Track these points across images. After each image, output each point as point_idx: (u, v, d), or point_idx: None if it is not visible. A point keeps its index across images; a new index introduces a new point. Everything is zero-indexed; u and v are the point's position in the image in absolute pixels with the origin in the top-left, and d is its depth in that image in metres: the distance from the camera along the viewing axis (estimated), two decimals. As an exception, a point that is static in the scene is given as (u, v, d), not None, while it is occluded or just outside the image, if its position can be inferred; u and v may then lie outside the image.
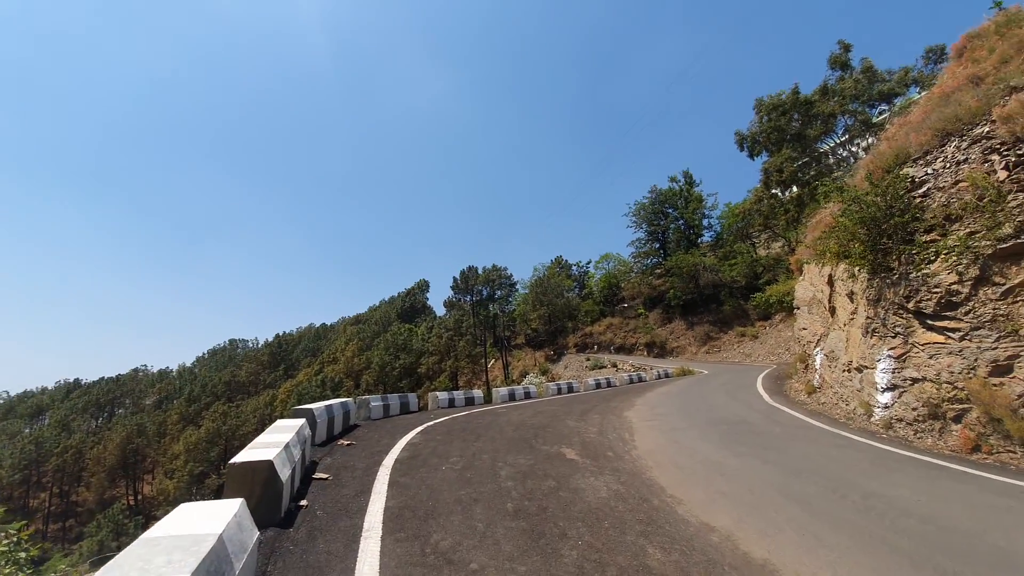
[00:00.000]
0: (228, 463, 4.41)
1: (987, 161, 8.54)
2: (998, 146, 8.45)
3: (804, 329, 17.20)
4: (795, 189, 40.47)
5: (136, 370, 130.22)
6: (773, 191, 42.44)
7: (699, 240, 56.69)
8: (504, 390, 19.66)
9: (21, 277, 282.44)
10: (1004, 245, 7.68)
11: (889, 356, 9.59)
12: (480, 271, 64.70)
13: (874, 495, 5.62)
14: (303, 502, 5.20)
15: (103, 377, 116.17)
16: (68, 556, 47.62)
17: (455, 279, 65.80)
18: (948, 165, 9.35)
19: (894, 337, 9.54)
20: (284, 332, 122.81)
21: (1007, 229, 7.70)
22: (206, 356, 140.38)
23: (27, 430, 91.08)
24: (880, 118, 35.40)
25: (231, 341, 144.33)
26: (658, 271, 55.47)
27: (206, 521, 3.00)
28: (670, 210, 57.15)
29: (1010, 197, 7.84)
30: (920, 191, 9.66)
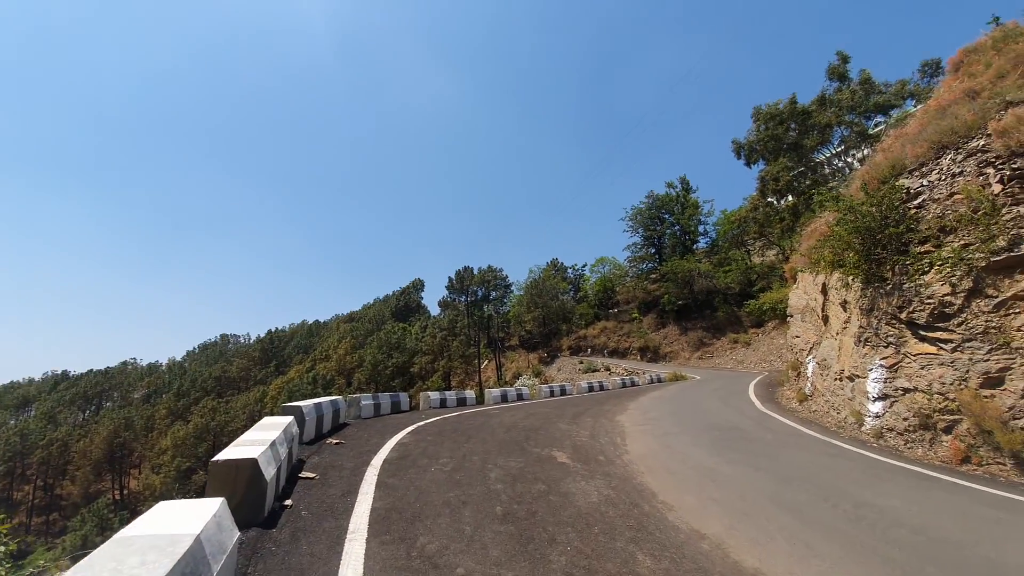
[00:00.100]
0: (211, 460, 4.30)
1: (982, 174, 8.59)
2: (993, 159, 8.50)
3: (797, 337, 17.26)
4: (790, 198, 40.72)
5: (125, 363, 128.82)
6: (769, 199, 42.68)
7: (694, 246, 56.88)
8: (496, 391, 19.57)
9: (9, 266, 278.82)
10: (998, 258, 7.72)
11: (881, 366, 9.62)
12: (476, 272, 64.57)
13: (865, 504, 5.60)
14: (288, 502, 5.10)
15: (91, 369, 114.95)
16: (51, 550, 46.85)
17: (450, 279, 65.65)
18: (943, 177, 9.39)
19: (886, 347, 9.56)
20: (276, 328, 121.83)
21: (1001, 242, 7.74)
22: (196, 351, 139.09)
23: (12, 421, 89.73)
24: (876, 129, 35.70)
25: (222, 336, 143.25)
26: (653, 276, 55.58)
27: (184, 521, 2.90)
28: (666, 215, 57.30)
29: (1004, 210, 7.88)
30: (915, 202, 9.71)
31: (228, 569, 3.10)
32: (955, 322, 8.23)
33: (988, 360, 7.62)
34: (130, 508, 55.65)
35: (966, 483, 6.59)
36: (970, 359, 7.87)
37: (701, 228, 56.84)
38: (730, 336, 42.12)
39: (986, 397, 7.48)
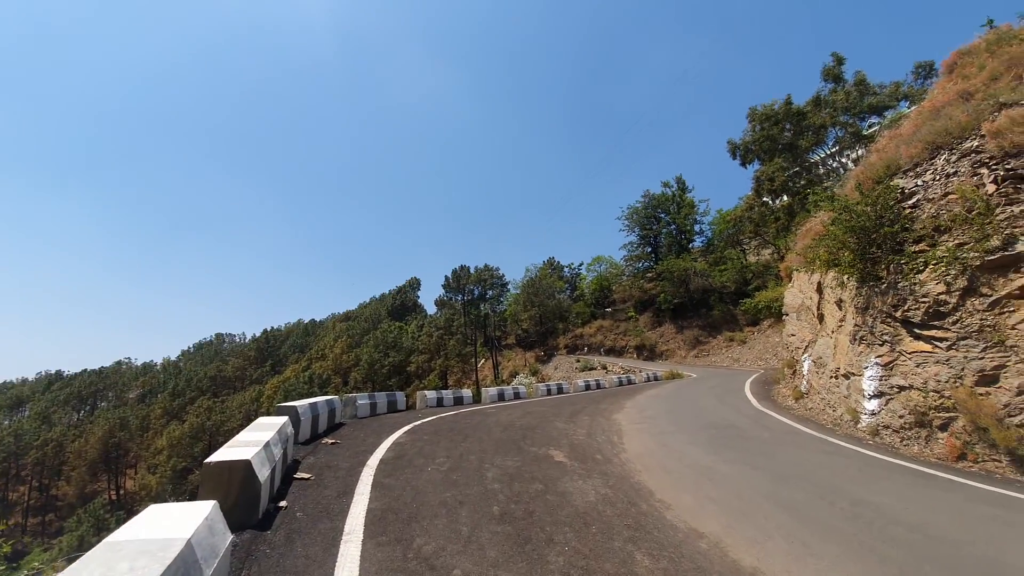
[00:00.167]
0: (204, 462, 4.25)
1: (976, 174, 8.63)
2: (987, 160, 8.54)
3: (792, 335, 17.32)
4: (786, 198, 40.87)
5: (120, 363, 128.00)
6: (764, 199, 42.84)
7: (690, 245, 57.05)
8: (493, 390, 19.54)
9: (2, 266, 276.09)
10: (992, 257, 7.75)
11: (876, 364, 9.65)
12: (472, 270, 64.49)
13: (862, 502, 5.61)
14: (283, 503, 5.05)
15: (86, 369, 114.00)
16: (48, 551, 46.54)
17: (447, 278, 65.50)
18: (938, 177, 9.43)
19: (881, 345, 9.60)
20: (272, 327, 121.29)
21: (995, 241, 7.78)
22: (192, 350, 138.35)
23: (6, 422, 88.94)
24: (870, 130, 35.87)
25: (217, 335, 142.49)
26: (649, 275, 55.69)
27: (175, 524, 2.86)
28: (662, 215, 57.41)
29: (998, 210, 7.93)
30: (910, 202, 9.75)
31: (221, 573, 3.05)
32: (950, 320, 8.27)
33: (983, 358, 7.65)
34: (126, 508, 55.27)
35: (962, 480, 6.61)
36: (965, 357, 7.91)
37: (697, 227, 57.08)
38: (726, 334, 42.28)
39: (981, 395, 7.52)
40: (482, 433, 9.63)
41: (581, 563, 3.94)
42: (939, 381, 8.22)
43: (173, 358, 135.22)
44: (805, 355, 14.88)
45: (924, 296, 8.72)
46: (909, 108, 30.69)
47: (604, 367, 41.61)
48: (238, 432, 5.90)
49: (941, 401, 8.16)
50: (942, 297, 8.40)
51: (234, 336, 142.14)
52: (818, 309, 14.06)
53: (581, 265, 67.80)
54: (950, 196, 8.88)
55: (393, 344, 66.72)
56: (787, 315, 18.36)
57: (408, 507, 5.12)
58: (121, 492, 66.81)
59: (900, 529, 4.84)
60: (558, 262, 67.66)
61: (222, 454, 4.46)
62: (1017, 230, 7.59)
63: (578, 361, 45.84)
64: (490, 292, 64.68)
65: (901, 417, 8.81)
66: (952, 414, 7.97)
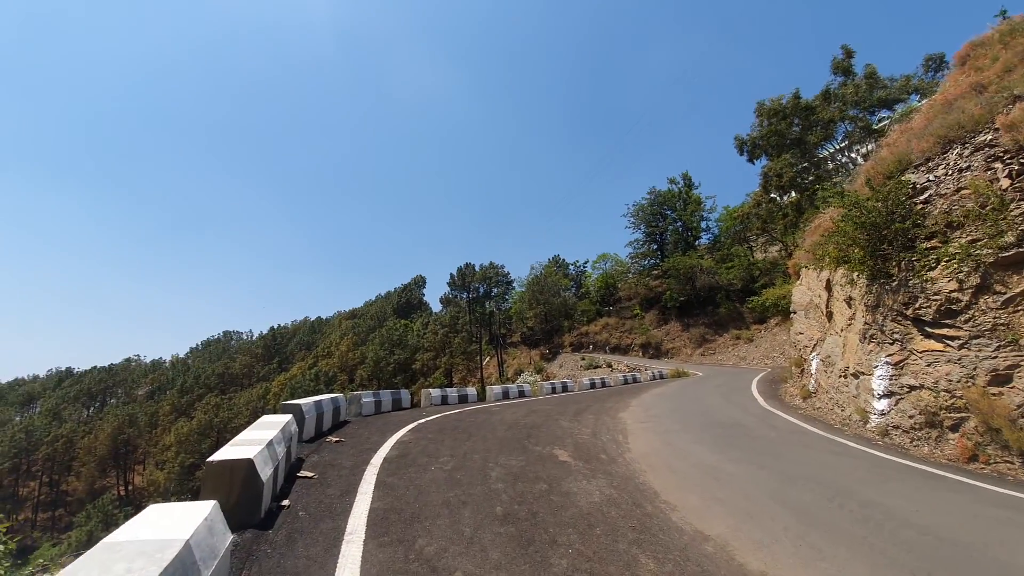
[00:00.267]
0: (206, 461, 4.23)
1: (990, 169, 8.45)
2: (1001, 154, 8.36)
3: (801, 333, 17.13)
4: (794, 194, 40.43)
5: (129, 360, 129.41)
6: (772, 195, 42.39)
7: (697, 242, 56.64)
8: (498, 388, 19.52)
9: (15, 265, 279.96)
10: (1006, 254, 7.59)
11: (887, 363, 9.50)
12: (477, 268, 64.51)
13: (872, 504, 5.51)
14: (285, 502, 5.04)
15: (95, 366, 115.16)
16: (56, 546, 47.24)
17: (452, 276, 65.59)
18: (950, 172, 9.25)
19: (892, 344, 9.44)
20: (279, 325, 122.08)
21: (1009, 238, 7.61)
22: (200, 347, 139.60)
23: (17, 418, 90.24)
24: (880, 125, 35.37)
25: (225, 333, 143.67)
26: (655, 272, 55.42)
27: (174, 525, 2.83)
28: (669, 212, 57.04)
29: (1013, 205, 7.75)
30: (921, 197, 9.57)
31: (220, 574, 3.03)
32: (962, 319, 8.11)
33: (996, 357, 7.50)
34: (135, 504, 55.98)
35: (973, 482, 6.49)
36: (977, 356, 7.75)
37: (703, 224, 56.67)
38: (733, 332, 41.98)
39: (994, 395, 7.37)
40: (486, 432, 9.59)
41: (585, 566, 3.89)
42: (950, 381, 8.07)
43: (182, 355, 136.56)
44: (813, 354, 14.70)
45: (936, 294, 8.56)
46: (920, 102, 30.20)
47: (609, 365, 41.48)
48: (245, 429, 5.89)
49: (952, 401, 8.01)
50: (954, 295, 8.24)
51: (242, 334, 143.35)
52: (827, 307, 13.88)
53: (587, 263, 67.61)
54: (963, 191, 8.70)
55: (399, 342, 66.93)
56: (795, 313, 18.16)
57: (411, 507, 5.09)
58: (130, 488, 67.68)
59: (911, 532, 4.75)
60: (563, 260, 67.53)
61: (224, 453, 4.45)
62: (1032, 226, 7.42)
63: (583, 359, 45.73)
64: (495, 290, 64.72)
65: (911, 417, 8.67)
66: (964, 414, 7.83)
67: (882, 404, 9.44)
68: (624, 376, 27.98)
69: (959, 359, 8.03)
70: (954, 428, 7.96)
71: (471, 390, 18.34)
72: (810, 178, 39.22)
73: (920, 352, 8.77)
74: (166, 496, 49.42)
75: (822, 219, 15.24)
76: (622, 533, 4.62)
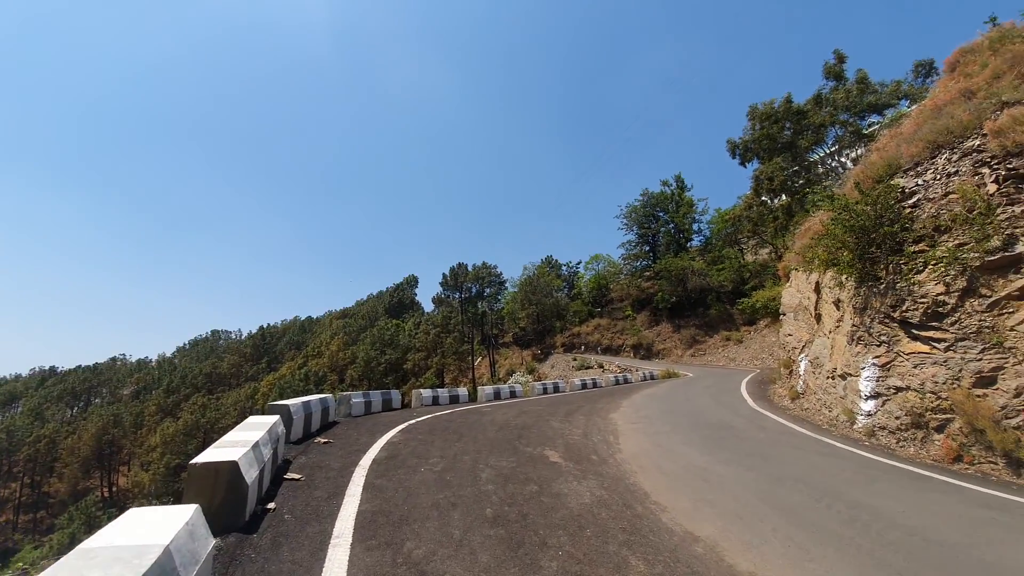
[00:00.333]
0: (189, 463, 4.13)
1: (977, 174, 8.57)
2: (989, 159, 8.48)
3: (789, 335, 17.29)
4: (784, 197, 40.83)
5: (114, 359, 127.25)
6: (763, 198, 42.77)
7: (688, 244, 57.05)
8: (489, 389, 19.46)
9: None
10: (992, 258, 7.70)
11: (874, 364, 9.60)
12: (470, 268, 64.34)
13: (859, 505, 5.55)
14: (271, 505, 4.94)
15: (80, 365, 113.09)
16: (39, 548, 46.30)
17: (444, 276, 65.37)
18: (939, 177, 9.37)
19: (879, 345, 9.55)
20: (268, 324, 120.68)
21: (995, 242, 7.73)
22: (187, 347, 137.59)
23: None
24: (870, 129, 35.84)
25: (213, 332, 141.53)
26: (647, 274, 55.66)
27: (154, 530, 2.75)
28: (661, 214, 57.38)
29: (999, 210, 7.87)
30: (910, 202, 9.68)
31: (202, 579, 2.95)
32: (948, 321, 8.22)
33: (981, 359, 7.60)
34: (119, 505, 54.98)
35: (959, 482, 6.57)
36: (963, 358, 7.86)
37: (695, 226, 57.09)
38: (723, 334, 42.31)
39: (979, 396, 7.47)
40: (477, 432, 9.53)
41: (575, 568, 3.86)
42: (936, 382, 8.17)
43: (168, 355, 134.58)
44: (802, 355, 14.84)
45: (923, 297, 8.66)
46: (910, 107, 30.67)
47: (601, 366, 41.58)
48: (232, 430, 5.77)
49: (938, 402, 8.11)
50: (941, 298, 8.35)
51: (230, 333, 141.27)
52: (816, 309, 14.01)
53: (579, 264, 67.86)
54: (951, 196, 8.82)
55: (390, 342, 66.47)
56: (784, 315, 18.33)
57: (399, 509, 5.02)
58: (114, 489, 66.50)
59: (898, 533, 4.78)
60: (556, 260, 67.62)
61: (208, 455, 4.35)
62: (1018, 230, 7.54)
63: (575, 360, 45.79)
64: (488, 290, 64.62)
65: (897, 418, 8.77)
66: (949, 416, 7.93)
67: (869, 405, 9.54)
68: (615, 377, 28.05)
69: (945, 361, 8.14)
70: (939, 429, 8.06)
71: (462, 391, 18.26)
72: (801, 182, 39.63)
73: (907, 354, 8.87)
74: (151, 498, 48.64)
75: (812, 222, 15.38)
76: (612, 535, 4.60)
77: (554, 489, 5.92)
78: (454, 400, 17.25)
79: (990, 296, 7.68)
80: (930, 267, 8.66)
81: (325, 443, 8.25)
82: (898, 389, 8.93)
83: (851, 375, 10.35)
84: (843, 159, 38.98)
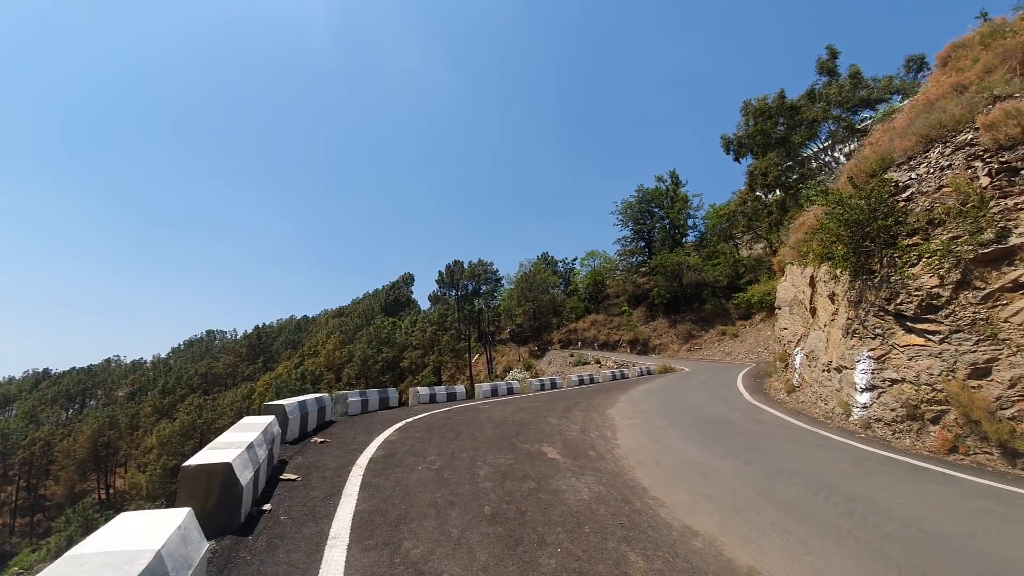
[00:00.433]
0: (182, 466, 4.08)
1: (970, 167, 8.60)
2: (981, 153, 8.51)
3: (785, 329, 17.36)
4: (778, 192, 40.98)
5: (109, 360, 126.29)
6: (757, 193, 42.92)
7: (684, 240, 57.18)
8: (487, 386, 19.45)
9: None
10: (986, 250, 7.73)
11: (869, 357, 9.65)
12: (466, 265, 64.20)
13: (856, 497, 5.57)
14: (267, 506, 4.90)
15: (74, 367, 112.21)
16: (36, 551, 46.02)
17: (441, 273, 65.16)
18: (932, 170, 9.40)
19: (874, 338, 9.59)
20: (264, 324, 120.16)
21: (989, 234, 7.75)
22: (182, 347, 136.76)
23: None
24: (863, 124, 35.98)
25: (208, 332, 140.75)
26: (643, 269, 55.81)
27: (145, 534, 2.70)
28: (656, 209, 57.49)
29: (992, 203, 7.89)
30: (904, 195, 9.71)
31: (195, 583, 2.90)
32: (943, 314, 8.25)
33: (975, 351, 7.64)
34: (116, 507, 54.71)
35: (954, 473, 6.61)
36: (957, 350, 7.90)
37: (690, 222, 57.26)
38: (718, 328, 42.49)
39: (973, 388, 7.51)
40: (474, 430, 9.51)
41: (574, 565, 3.84)
42: (931, 374, 8.22)
43: (163, 355, 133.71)
44: (797, 349, 14.91)
45: (917, 289, 8.70)
46: (902, 102, 30.78)
47: (598, 361, 41.69)
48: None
49: (933, 394, 8.15)
50: (935, 290, 8.38)
51: (225, 333, 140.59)
52: (811, 303, 14.06)
53: (575, 260, 67.78)
54: (944, 189, 8.84)
55: (387, 340, 66.36)
56: (779, 309, 18.39)
57: (397, 508, 4.99)
58: (111, 491, 66.14)
59: (895, 524, 4.80)
60: (552, 257, 67.55)
61: (201, 457, 4.30)
62: (1011, 223, 7.57)
63: (572, 356, 45.87)
64: (484, 287, 64.50)
65: (893, 410, 8.81)
66: (944, 407, 7.98)
67: (864, 398, 9.59)
68: (612, 372, 28.12)
69: (939, 353, 8.18)
70: (935, 421, 8.11)
71: (460, 388, 18.23)
72: (794, 176, 39.79)
73: (902, 346, 8.91)
74: (148, 499, 48.42)
75: (806, 217, 15.42)
76: (611, 531, 4.59)
77: (552, 486, 5.91)
78: (451, 397, 17.23)
79: (984, 288, 7.71)
80: (924, 260, 8.69)
81: (322, 443, 8.20)
82: (893, 381, 8.97)
83: (846, 368, 10.40)
84: (836, 154, 39.12)
